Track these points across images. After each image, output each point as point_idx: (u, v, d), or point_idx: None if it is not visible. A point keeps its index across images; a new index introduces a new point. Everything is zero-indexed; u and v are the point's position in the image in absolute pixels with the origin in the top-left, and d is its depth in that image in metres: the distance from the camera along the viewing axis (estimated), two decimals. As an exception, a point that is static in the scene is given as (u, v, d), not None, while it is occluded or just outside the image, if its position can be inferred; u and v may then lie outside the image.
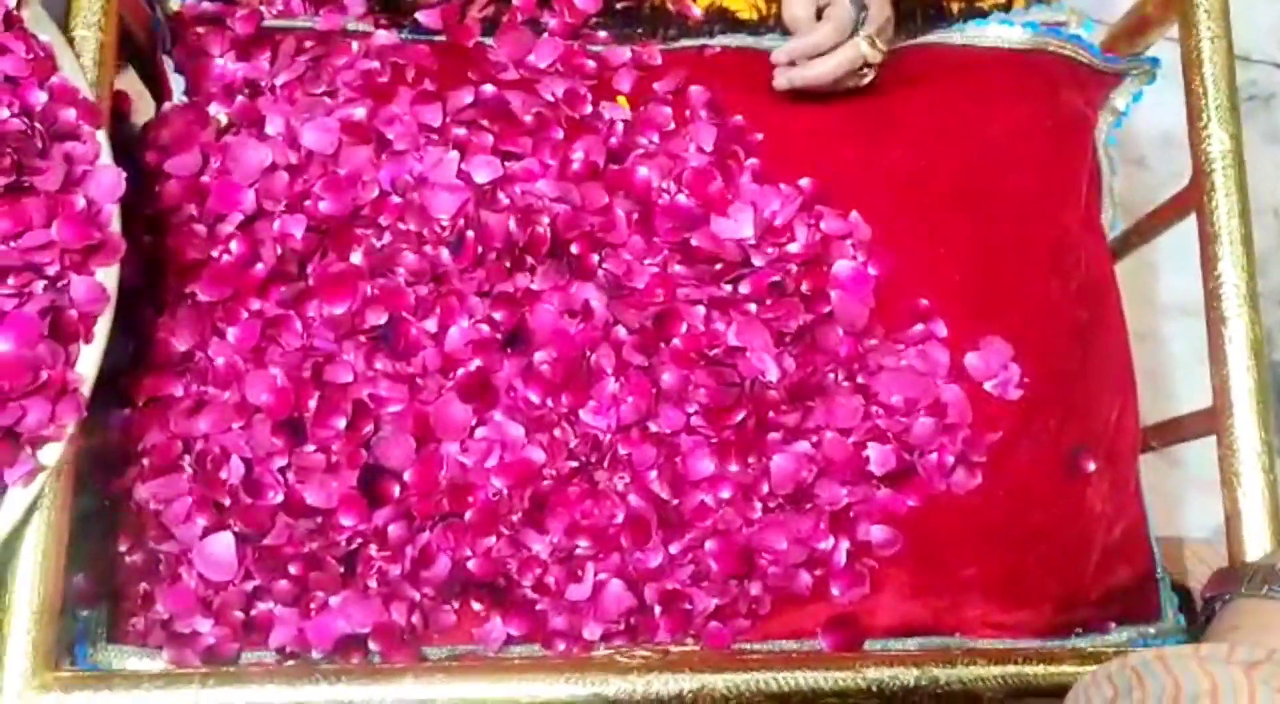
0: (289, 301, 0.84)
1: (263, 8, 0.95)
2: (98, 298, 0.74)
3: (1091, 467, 0.90)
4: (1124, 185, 1.05)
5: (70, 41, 0.80)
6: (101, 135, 0.77)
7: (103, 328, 0.75)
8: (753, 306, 0.87)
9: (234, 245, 0.85)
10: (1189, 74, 0.86)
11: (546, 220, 0.86)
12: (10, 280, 0.73)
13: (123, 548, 0.83)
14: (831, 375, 0.88)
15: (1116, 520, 0.91)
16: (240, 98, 0.90)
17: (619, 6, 0.99)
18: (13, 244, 0.73)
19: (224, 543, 0.81)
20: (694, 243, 0.88)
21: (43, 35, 0.78)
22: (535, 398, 0.84)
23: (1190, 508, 1.20)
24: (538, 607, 0.83)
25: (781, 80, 0.91)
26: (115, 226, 0.76)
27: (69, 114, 0.77)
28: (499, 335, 0.85)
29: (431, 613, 0.83)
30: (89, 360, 0.74)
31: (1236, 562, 0.79)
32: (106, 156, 0.77)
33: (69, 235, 0.74)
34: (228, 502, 0.81)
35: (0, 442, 0.71)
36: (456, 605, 0.83)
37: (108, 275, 0.75)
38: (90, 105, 0.77)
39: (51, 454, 0.73)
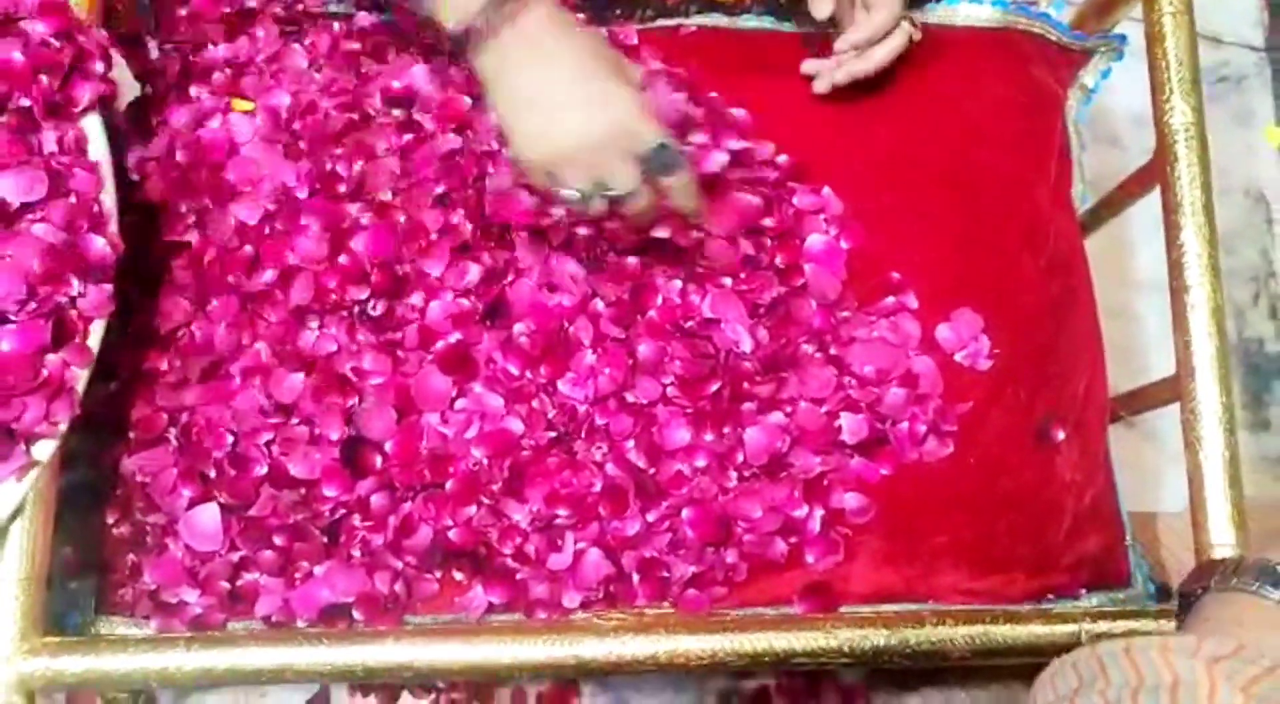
0: (274, 279, 0.86)
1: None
2: (103, 303, 0.76)
3: (1061, 435, 0.91)
4: (1098, 164, 1.07)
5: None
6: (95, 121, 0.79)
7: (99, 328, 0.76)
8: (727, 280, 0.89)
9: (217, 223, 0.86)
10: (1152, 48, 0.87)
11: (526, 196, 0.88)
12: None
13: (110, 520, 0.85)
14: (805, 347, 0.89)
15: (1086, 488, 0.93)
16: (221, 75, 0.91)
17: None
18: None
19: (209, 514, 0.82)
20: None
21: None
22: (514, 370, 0.86)
23: (1165, 483, 1.22)
24: (518, 576, 0.85)
25: (840, 75, 0.92)
26: (113, 227, 0.77)
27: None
28: (479, 308, 0.86)
29: (414, 582, 0.84)
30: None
31: (1199, 520, 0.81)
32: (100, 144, 0.78)
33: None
34: (213, 473, 0.83)
35: None
36: (439, 575, 0.85)
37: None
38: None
39: (45, 450, 0.74)
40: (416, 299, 0.86)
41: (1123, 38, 0.99)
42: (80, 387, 0.75)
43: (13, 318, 0.72)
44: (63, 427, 0.74)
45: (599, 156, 0.74)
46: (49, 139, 0.75)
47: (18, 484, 0.74)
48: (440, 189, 0.88)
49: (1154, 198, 0.96)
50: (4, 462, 0.73)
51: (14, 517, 0.74)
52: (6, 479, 0.73)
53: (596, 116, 0.73)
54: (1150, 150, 0.94)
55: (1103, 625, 0.80)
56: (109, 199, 0.77)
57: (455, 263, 0.86)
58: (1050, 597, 0.90)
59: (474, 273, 0.86)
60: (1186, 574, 0.78)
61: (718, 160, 0.88)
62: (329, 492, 0.83)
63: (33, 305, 0.72)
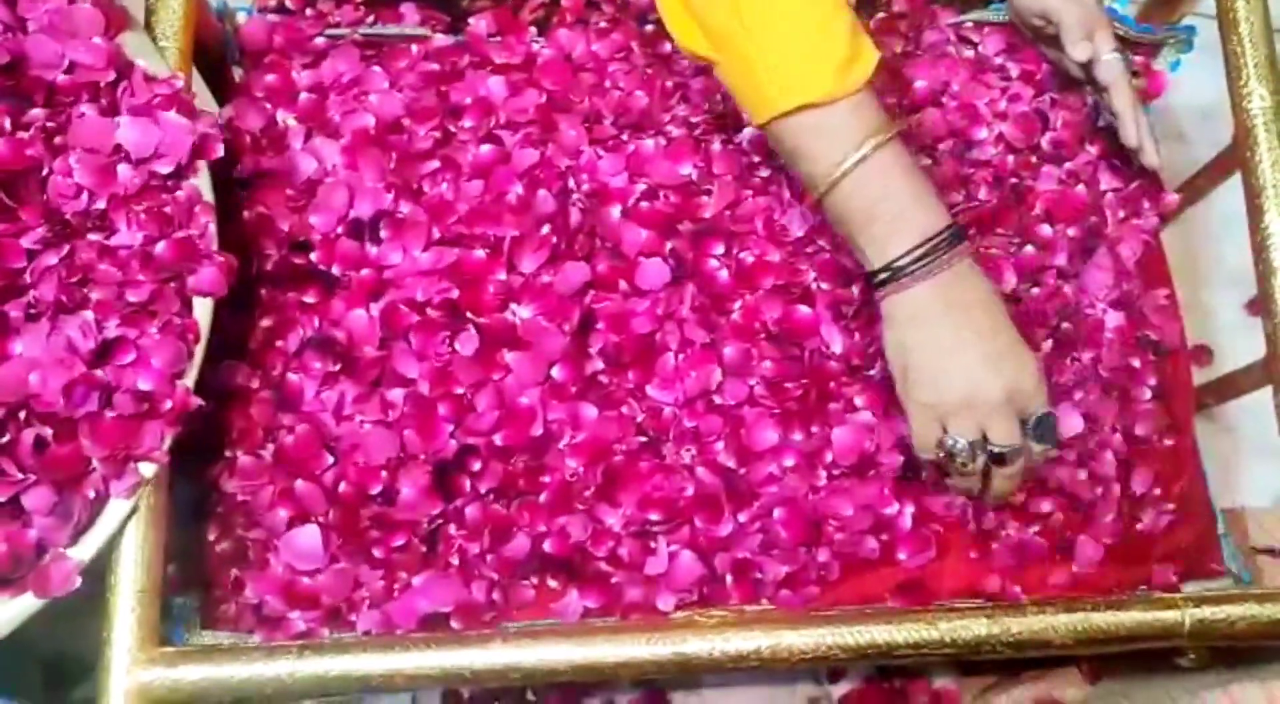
0: (364, 298, 0.88)
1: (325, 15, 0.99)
2: (195, 326, 0.79)
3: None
4: (1164, 159, 1.07)
5: (151, 56, 0.84)
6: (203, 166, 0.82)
7: (200, 350, 0.79)
8: (826, 285, 0.90)
9: (311, 243, 0.89)
10: (1226, 34, 0.88)
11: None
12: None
13: (212, 536, 0.86)
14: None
15: (1175, 478, 0.92)
16: (305, 97, 0.94)
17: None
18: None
19: (308, 534, 0.84)
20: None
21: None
22: (605, 377, 0.87)
23: (1247, 477, 1.20)
24: (612, 580, 0.85)
25: (1155, 161, 0.92)
26: (214, 243, 0.80)
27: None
28: (571, 318, 0.87)
29: (510, 589, 0.85)
30: (191, 379, 0.78)
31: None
32: (206, 187, 0.81)
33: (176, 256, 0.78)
34: (311, 492, 0.84)
35: (109, 458, 0.74)
36: (534, 581, 0.86)
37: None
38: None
39: (151, 467, 0.76)
40: (508, 313, 0.87)
41: (1191, 28, 0.99)
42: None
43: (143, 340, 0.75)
44: (168, 443, 0.77)
45: (990, 411, 0.76)
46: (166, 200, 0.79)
47: (126, 501, 0.76)
48: (519, 198, 0.90)
49: (1219, 191, 0.96)
50: (116, 480, 0.75)
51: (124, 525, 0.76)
52: (117, 497, 0.75)
53: (999, 373, 0.75)
54: (1218, 144, 0.94)
55: (1206, 611, 0.79)
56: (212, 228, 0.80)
57: (543, 273, 0.88)
58: (1144, 588, 0.90)
59: (561, 283, 0.88)
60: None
61: None
62: (426, 505, 0.84)
63: (154, 329, 0.75)
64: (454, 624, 0.83)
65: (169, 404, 0.74)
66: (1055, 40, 0.92)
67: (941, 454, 0.77)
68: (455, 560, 0.85)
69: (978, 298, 0.76)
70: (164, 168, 0.77)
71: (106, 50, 0.77)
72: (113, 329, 0.75)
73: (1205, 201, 1.02)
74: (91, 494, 0.74)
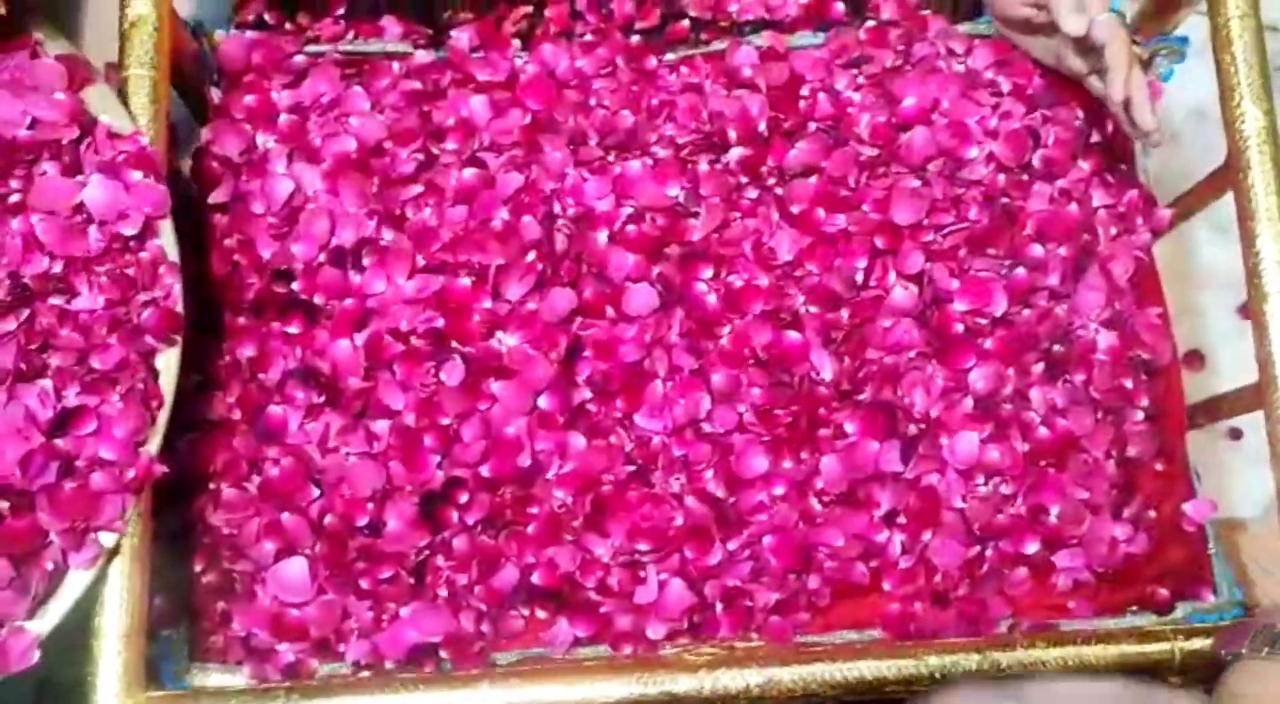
0: (347, 325, 0.87)
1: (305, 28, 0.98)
2: (158, 391, 0.77)
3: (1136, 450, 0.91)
4: (1158, 159, 1.06)
5: (124, 81, 0.82)
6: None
7: (164, 415, 0.77)
8: (815, 309, 0.89)
9: (293, 271, 0.88)
10: (1219, 53, 0.86)
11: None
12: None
13: (199, 567, 0.86)
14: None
15: (1166, 498, 0.92)
16: (286, 118, 0.92)
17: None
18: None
19: (296, 566, 0.84)
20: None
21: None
22: (592, 406, 0.86)
23: (1243, 484, 1.19)
24: (602, 609, 0.85)
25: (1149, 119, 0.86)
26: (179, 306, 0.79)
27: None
28: (558, 346, 0.87)
29: (499, 619, 0.85)
30: (155, 445, 0.77)
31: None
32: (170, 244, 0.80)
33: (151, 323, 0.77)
34: (297, 524, 0.84)
35: (67, 531, 0.73)
36: (524, 611, 0.86)
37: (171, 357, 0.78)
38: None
39: (112, 537, 0.75)
40: (494, 342, 0.86)
41: (1184, 40, 0.98)
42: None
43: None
44: (131, 516, 0.76)
45: None
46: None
47: (87, 571, 0.74)
48: (504, 223, 0.89)
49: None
50: (75, 552, 0.74)
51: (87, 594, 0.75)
52: (77, 568, 0.74)
53: None
54: (1212, 146, 0.93)
55: (1196, 643, 0.79)
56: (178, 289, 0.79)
57: (529, 300, 0.87)
58: (1134, 609, 0.90)
59: (548, 310, 0.87)
60: (1226, 629, 0.77)
61: None
62: (413, 537, 0.83)
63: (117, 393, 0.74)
64: (443, 655, 0.83)
65: (131, 473, 0.73)
66: (1046, 30, 0.90)
67: None
68: (443, 591, 0.84)
69: None
70: (128, 229, 0.76)
71: (69, 106, 0.75)
72: (72, 397, 0.74)
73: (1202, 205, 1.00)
74: (50, 566, 0.72)
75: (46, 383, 0.73)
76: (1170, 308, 0.97)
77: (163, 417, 0.76)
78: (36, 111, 0.75)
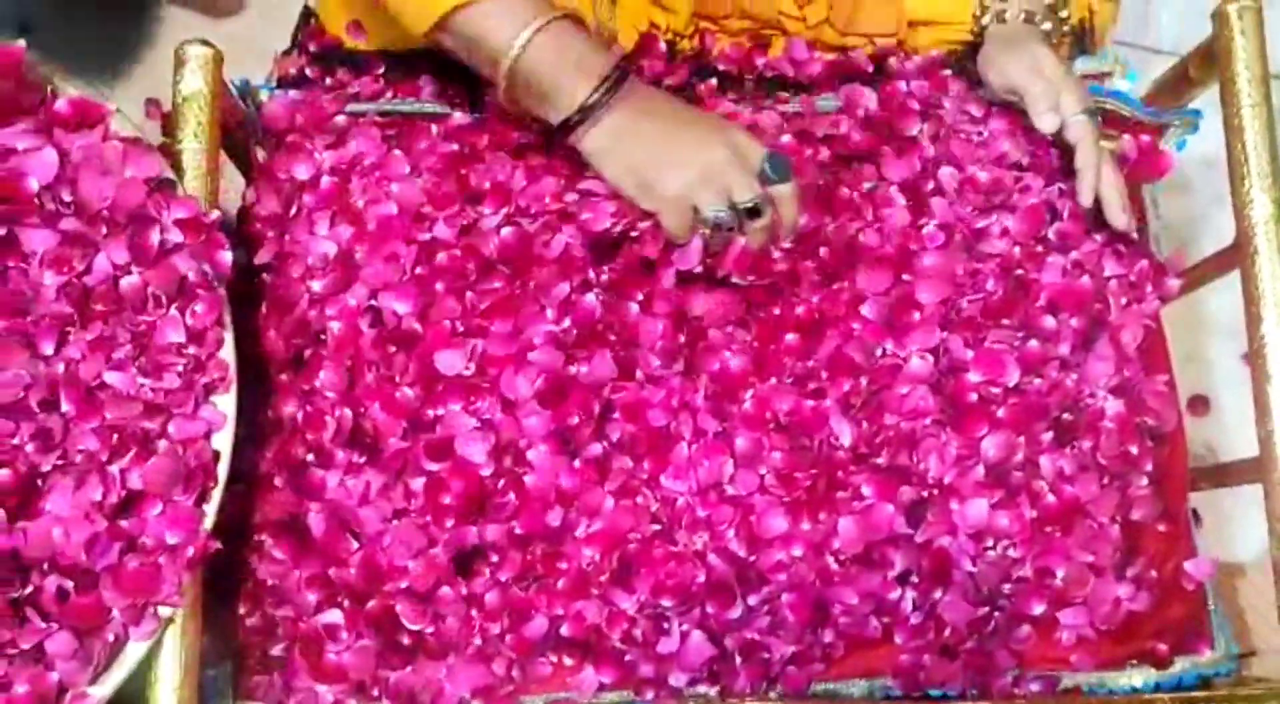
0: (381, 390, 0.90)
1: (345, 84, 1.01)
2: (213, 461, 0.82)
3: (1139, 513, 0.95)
4: (1167, 208, 1.08)
5: (178, 154, 0.86)
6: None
7: (218, 492, 0.82)
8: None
9: (335, 327, 0.91)
10: (1230, 140, 0.89)
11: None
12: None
13: (243, 610, 0.90)
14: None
15: (1168, 557, 0.96)
16: (326, 181, 0.95)
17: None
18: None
19: (335, 616, 0.88)
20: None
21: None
22: (621, 467, 0.90)
23: (1243, 528, 1.22)
24: (627, 657, 0.89)
25: (1121, 220, 0.94)
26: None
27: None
28: (591, 410, 0.90)
29: (528, 666, 0.90)
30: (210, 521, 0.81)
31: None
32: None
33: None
34: (339, 577, 0.88)
35: (129, 607, 0.77)
36: (553, 658, 0.90)
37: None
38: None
39: (169, 610, 0.80)
40: (531, 404, 0.90)
41: (1198, 112, 1.01)
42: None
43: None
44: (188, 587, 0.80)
45: (725, 172, 0.87)
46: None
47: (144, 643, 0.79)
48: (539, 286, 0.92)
49: (1221, 237, 0.98)
50: (135, 626, 0.78)
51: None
52: (136, 640, 0.78)
53: (712, 140, 0.88)
54: (1220, 195, 0.96)
55: (1190, 711, 0.83)
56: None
57: (565, 367, 0.90)
58: (1134, 663, 0.94)
59: (587, 376, 0.90)
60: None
61: None
62: (447, 592, 0.87)
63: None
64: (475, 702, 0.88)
65: (190, 551, 0.77)
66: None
67: (707, 231, 0.89)
68: (477, 640, 0.88)
69: (658, 100, 0.91)
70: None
71: (141, 186, 0.79)
72: (136, 481, 0.77)
73: (1203, 250, 1.03)
74: (111, 638, 0.76)
75: (114, 469, 0.76)
76: (1176, 353, 1.00)
77: (216, 493, 0.80)
78: (112, 192, 0.79)
